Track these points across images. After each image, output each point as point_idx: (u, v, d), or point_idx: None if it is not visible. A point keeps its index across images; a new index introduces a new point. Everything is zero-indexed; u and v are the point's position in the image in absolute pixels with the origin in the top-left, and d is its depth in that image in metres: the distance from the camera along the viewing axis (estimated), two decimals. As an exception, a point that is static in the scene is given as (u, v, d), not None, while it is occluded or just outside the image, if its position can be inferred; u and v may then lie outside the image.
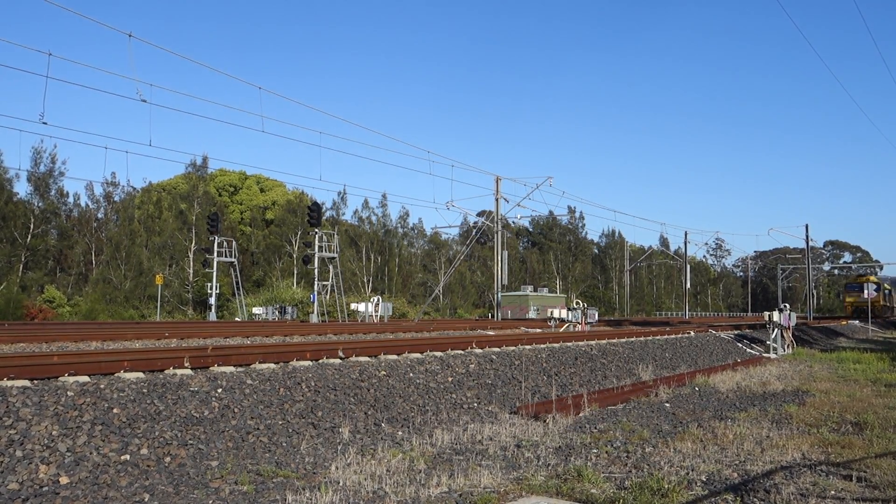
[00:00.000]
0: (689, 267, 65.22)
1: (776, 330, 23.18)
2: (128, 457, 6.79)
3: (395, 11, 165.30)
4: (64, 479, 6.21)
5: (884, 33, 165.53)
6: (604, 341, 17.81)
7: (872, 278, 66.72)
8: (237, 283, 49.77)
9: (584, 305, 27.49)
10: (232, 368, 9.28)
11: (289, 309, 49.69)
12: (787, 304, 24.68)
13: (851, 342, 33.29)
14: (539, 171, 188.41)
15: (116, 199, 66.66)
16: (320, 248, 44.16)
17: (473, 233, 62.06)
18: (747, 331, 28.36)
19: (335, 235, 46.88)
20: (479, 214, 75.00)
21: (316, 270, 44.27)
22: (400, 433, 9.21)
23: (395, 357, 11.70)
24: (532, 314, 66.33)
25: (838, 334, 38.53)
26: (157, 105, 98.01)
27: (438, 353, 12.52)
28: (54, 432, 6.63)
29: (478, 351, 13.53)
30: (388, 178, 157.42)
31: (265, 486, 6.50)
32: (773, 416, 10.40)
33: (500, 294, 45.07)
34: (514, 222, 77.43)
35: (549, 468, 7.14)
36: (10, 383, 7.18)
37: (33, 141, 63.35)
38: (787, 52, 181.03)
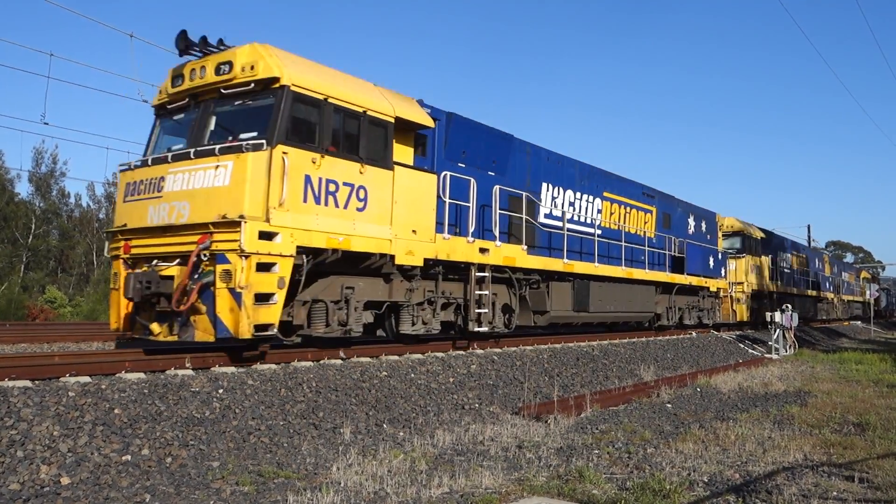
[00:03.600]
0: (690, 267, 65.05)
1: (778, 330, 23.14)
2: (129, 457, 6.79)
3: (398, 10, 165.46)
4: (65, 480, 6.21)
5: (886, 34, 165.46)
6: (605, 342, 17.78)
7: None
8: (238, 283, 49.71)
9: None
10: (233, 369, 9.28)
11: (290, 309, 49.61)
12: (788, 305, 24.58)
13: (853, 343, 33.25)
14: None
15: (118, 199, 66.72)
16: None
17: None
18: (749, 331, 28.32)
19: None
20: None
21: (317, 271, 44.22)
22: (401, 434, 9.20)
23: (396, 358, 11.68)
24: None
25: (840, 335, 38.51)
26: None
27: (440, 354, 12.50)
28: (55, 433, 6.63)
29: (479, 352, 13.51)
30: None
31: (266, 486, 6.50)
32: (775, 417, 10.38)
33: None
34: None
35: (551, 469, 7.13)
36: (11, 384, 7.18)
37: (34, 141, 63.55)
38: (790, 53, 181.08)
